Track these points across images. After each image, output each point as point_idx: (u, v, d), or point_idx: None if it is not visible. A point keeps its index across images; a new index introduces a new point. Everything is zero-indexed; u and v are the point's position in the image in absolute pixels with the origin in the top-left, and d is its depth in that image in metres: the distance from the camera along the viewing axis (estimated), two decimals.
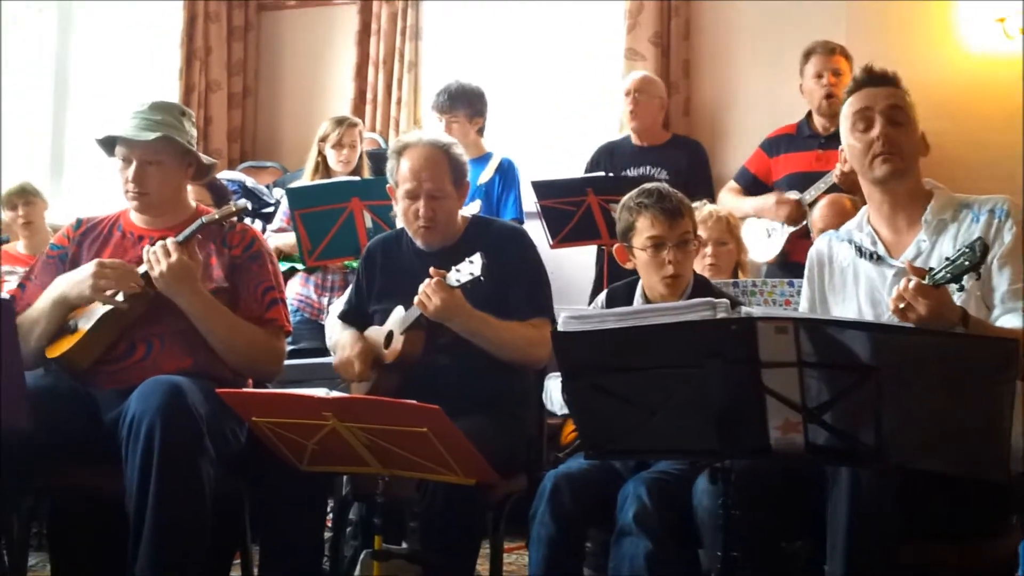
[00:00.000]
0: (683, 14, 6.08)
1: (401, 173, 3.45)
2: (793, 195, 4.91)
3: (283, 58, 7.07)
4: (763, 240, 4.99)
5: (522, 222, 5.13)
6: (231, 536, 3.30)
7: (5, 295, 3.63)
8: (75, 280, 3.21)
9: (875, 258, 2.92)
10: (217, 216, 3.34)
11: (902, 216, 2.94)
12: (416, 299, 3.20)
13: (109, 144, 3.38)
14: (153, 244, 3.23)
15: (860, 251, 2.96)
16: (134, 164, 3.32)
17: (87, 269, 3.20)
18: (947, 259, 2.60)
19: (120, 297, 3.16)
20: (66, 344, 3.19)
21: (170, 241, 3.20)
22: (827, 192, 4.68)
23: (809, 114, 5.12)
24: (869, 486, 2.44)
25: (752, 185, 5.20)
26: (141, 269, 3.21)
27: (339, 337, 3.55)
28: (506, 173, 5.39)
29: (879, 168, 2.88)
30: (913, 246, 2.89)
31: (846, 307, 2.96)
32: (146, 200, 3.37)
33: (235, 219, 3.39)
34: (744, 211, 5.04)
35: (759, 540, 2.55)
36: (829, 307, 3.02)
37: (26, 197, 5.29)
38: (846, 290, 2.98)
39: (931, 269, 2.62)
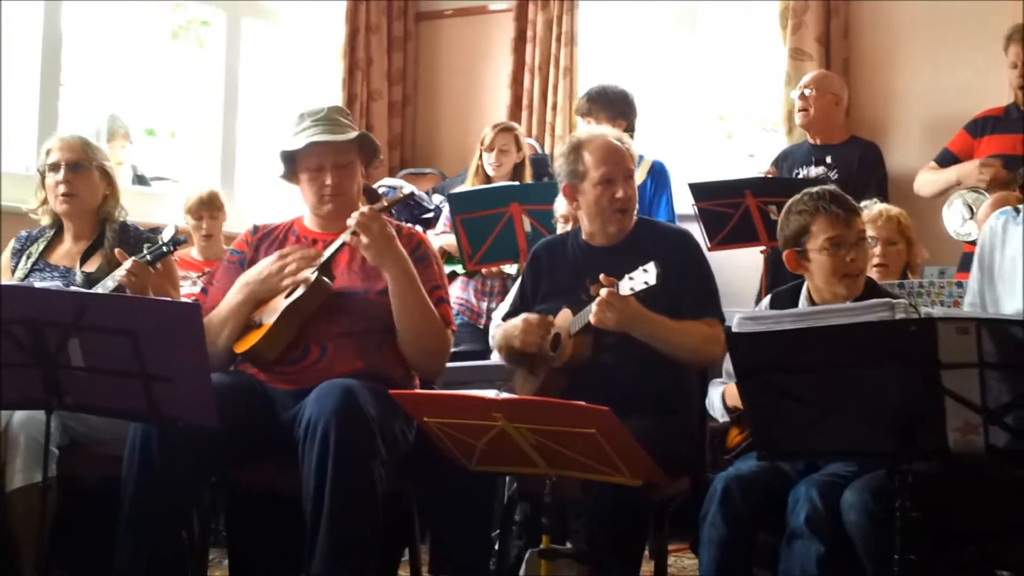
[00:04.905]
0: (842, 13, 5.98)
1: (588, 163, 3.44)
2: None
3: (441, 66, 7.16)
4: (964, 221, 4.82)
5: None
6: (400, 534, 3.36)
7: (184, 298, 3.79)
8: (257, 270, 3.33)
9: None
10: (386, 204, 3.41)
11: None
12: (592, 316, 3.16)
13: (290, 157, 3.39)
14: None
15: None
16: (330, 169, 3.36)
17: (268, 259, 3.33)
18: None
19: (305, 274, 3.26)
20: (253, 338, 3.28)
21: (369, 208, 3.25)
22: None
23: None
24: None
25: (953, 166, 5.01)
26: (325, 255, 3.30)
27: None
28: (658, 176, 5.34)
29: None
30: None
31: (1015, 301, 2.80)
32: (343, 202, 3.40)
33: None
34: (947, 180, 4.89)
35: (934, 544, 2.51)
36: (998, 294, 2.88)
37: (212, 210, 5.30)
38: (1015, 282, 2.81)
39: None
